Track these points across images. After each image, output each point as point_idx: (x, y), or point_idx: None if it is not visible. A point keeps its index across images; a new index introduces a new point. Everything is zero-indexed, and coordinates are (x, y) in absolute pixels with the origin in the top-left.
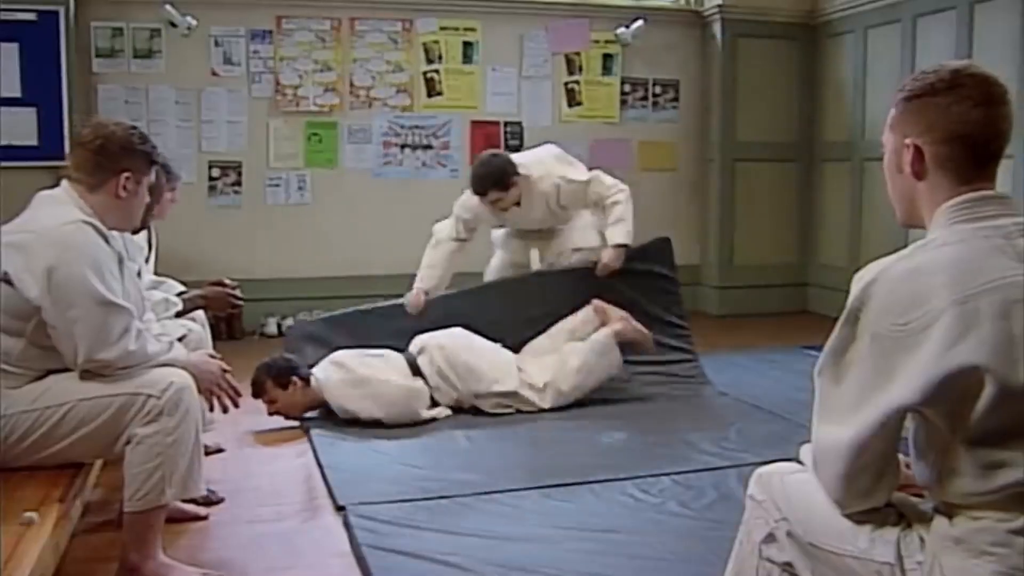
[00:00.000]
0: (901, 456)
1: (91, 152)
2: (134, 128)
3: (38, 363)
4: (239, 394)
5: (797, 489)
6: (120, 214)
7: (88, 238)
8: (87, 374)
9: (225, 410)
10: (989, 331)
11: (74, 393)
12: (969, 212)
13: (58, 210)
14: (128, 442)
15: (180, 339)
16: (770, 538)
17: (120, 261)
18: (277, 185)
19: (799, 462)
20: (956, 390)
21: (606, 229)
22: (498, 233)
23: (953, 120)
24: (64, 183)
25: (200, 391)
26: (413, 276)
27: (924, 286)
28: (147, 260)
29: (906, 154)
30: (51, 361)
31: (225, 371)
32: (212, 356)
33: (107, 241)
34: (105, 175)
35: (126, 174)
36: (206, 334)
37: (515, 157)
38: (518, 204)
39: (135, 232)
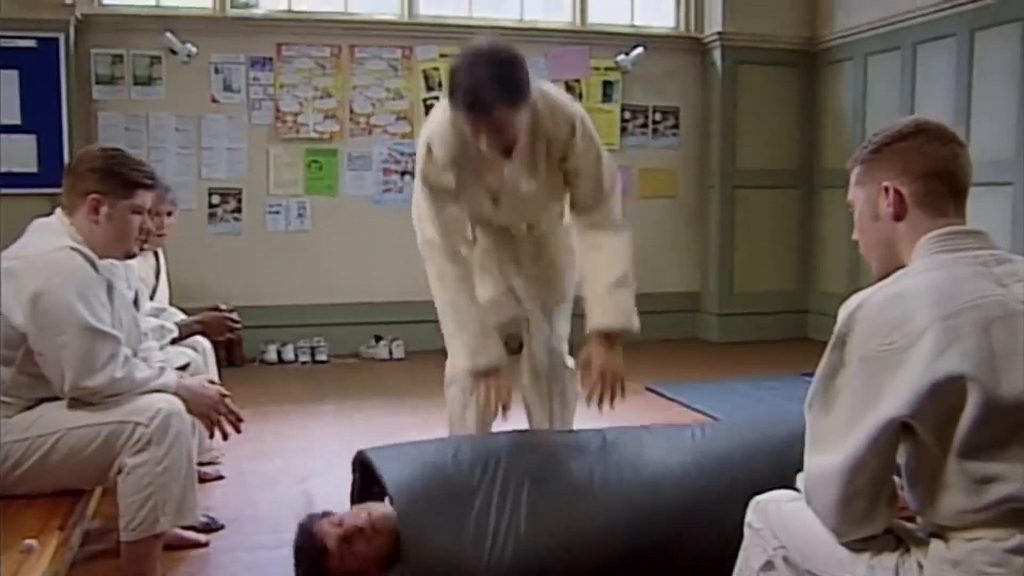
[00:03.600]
0: (895, 479)
1: (65, 175)
2: (116, 150)
3: (29, 392)
4: (240, 419)
5: (795, 517)
6: (103, 240)
7: (75, 264)
8: (75, 402)
9: (225, 436)
10: (972, 344)
11: (63, 422)
12: (948, 243)
13: (49, 237)
14: (120, 471)
15: (184, 367)
16: (768, 566)
17: (109, 288)
18: (277, 212)
19: (796, 490)
20: (942, 401)
21: (597, 281)
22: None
23: (928, 157)
24: (57, 210)
25: (196, 417)
26: (413, 303)
27: (908, 307)
28: (155, 288)
29: (884, 198)
30: (42, 390)
31: (224, 396)
32: (211, 382)
33: (95, 268)
34: (76, 199)
35: (94, 196)
36: (210, 360)
37: None
38: (509, 154)
39: (131, 257)
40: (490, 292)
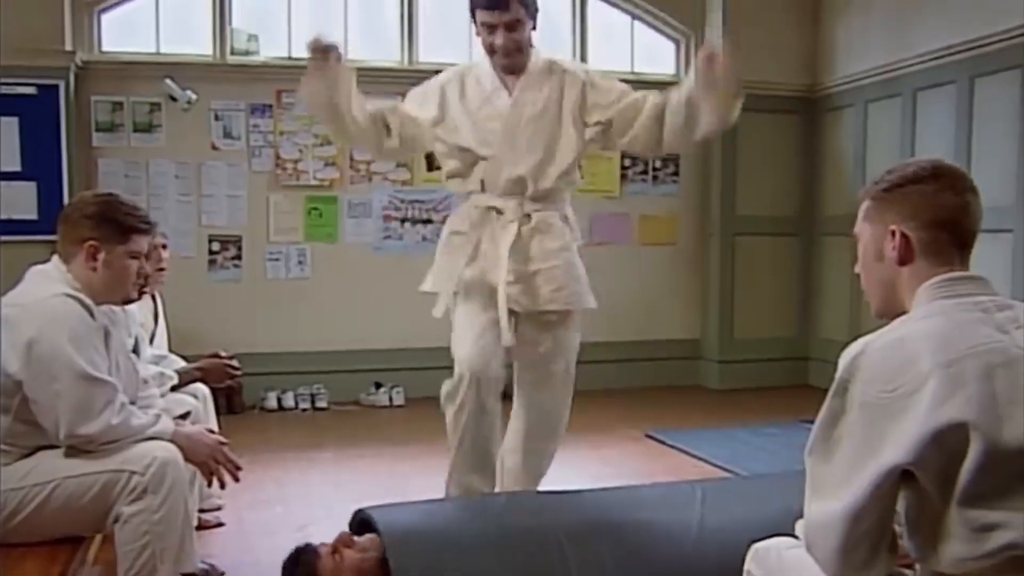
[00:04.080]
0: (895, 527)
1: (59, 222)
2: (109, 195)
3: (26, 440)
4: (239, 467)
5: (795, 564)
6: (102, 286)
7: (70, 311)
8: (72, 450)
9: (223, 485)
10: (975, 391)
11: (59, 471)
12: (949, 289)
13: (45, 284)
14: (117, 519)
15: (184, 416)
16: None
17: (107, 335)
18: (277, 259)
19: (796, 537)
20: (945, 448)
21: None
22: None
23: (939, 206)
24: (54, 257)
25: (194, 465)
26: (413, 350)
27: (910, 353)
28: (153, 332)
29: (890, 241)
30: (39, 438)
31: (222, 444)
32: (210, 431)
33: (92, 314)
34: (72, 247)
35: (91, 243)
36: (209, 407)
37: None
38: (516, 74)
39: (130, 303)
40: (473, 273)
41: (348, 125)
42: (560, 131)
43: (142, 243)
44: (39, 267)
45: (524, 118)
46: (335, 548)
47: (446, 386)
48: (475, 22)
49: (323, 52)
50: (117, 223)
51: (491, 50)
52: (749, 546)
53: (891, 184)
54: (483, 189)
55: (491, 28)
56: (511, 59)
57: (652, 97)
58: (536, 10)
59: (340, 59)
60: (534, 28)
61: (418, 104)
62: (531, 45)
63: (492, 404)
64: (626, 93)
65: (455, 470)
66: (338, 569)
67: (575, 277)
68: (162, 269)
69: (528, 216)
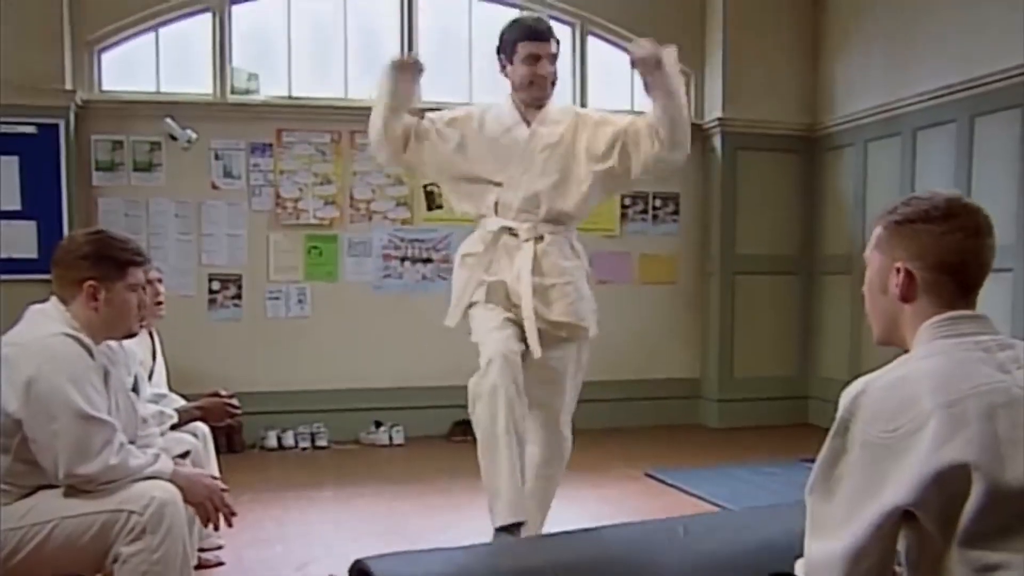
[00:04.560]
0: (896, 567)
1: (54, 265)
2: (99, 232)
3: (25, 479)
4: (234, 513)
5: None
6: (100, 324)
7: (69, 350)
8: (71, 490)
9: (217, 527)
10: (976, 431)
11: (58, 511)
12: (950, 328)
13: (44, 323)
14: (116, 559)
15: (184, 455)
16: None
17: (106, 374)
18: (277, 298)
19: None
20: (946, 489)
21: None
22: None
23: (946, 249)
24: (52, 298)
25: (191, 505)
26: (414, 389)
27: (912, 393)
28: (152, 371)
29: (894, 277)
30: (39, 477)
31: (222, 489)
32: (214, 478)
33: (91, 354)
34: (71, 288)
35: (90, 283)
36: (209, 446)
37: None
38: (537, 108)
39: (133, 335)
40: (486, 274)
41: (394, 125)
42: (574, 162)
43: (139, 275)
44: (38, 306)
45: (540, 145)
46: None
47: (474, 381)
48: (510, 58)
49: (414, 66)
50: (113, 259)
51: (531, 81)
52: None
53: (904, 218)
54: (496, 212)
55: (536, 59)
56: (546, 91)
57: (643, 119)
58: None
59: (422, 72)
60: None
61: (439, 128)
62: (557, 81)
63: (521, 388)
64: (630, 120)
65: (499, 477)
66: None
67: (585, 297)
68: (160, 303)
69: (541, 237)
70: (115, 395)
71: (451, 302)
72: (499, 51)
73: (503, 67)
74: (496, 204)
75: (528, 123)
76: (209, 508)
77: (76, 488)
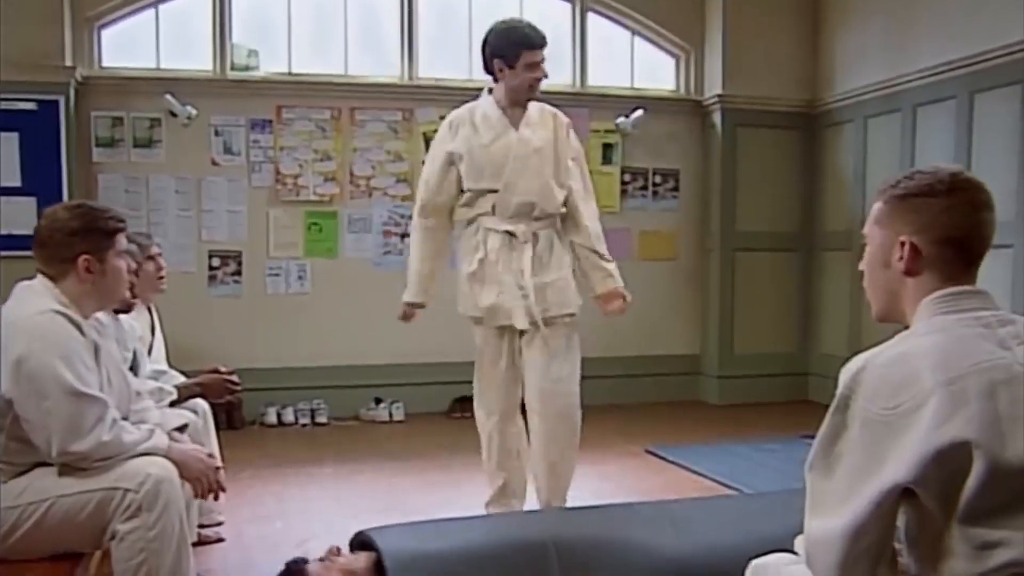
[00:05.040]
0: (895, 543)
1: (40, 247)
2: (80, 206)
3: (20, 457)
4: (223, 489)
5: None
6: (96, 295)
7: (58, 328)
8: (66, 468)
9: (204, 497)
10: (977, 409)
11: (53, 490)
12: (951, 304)
13: (32, 301)
14: (113, 536)
15: (181, 429)
16: None
17: (96, 350)
18: (277, 274)
19: (794, 553)
20: (947, 467)
21: (593, 265)
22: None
23: (951, 222)
24: (39, 276)
25: (187, 481)
26: (413, 366)
27: (912, 370)
28: (151, 346)
29: (898, 251)
30: (34, 455)
31: (217, 467)
32: (210, 455)
33: (81, 330)
34: (63, 265)
35: (84, 257)
36: (209, 422)
37: None
38: (520, 114)
39: (128, 311)
40: (492, 299)
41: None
42: (559, 162)
43: (124, 240)
44: (25, 283)
45: (530, 150)
46: (323, 556)
47: (476, 407)
48: (511, 64)
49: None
50: (101, 230)
51: (533, 86)
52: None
53: (907, 191)
54: (493, 212)
55: (536, 66)
56: (538, 92)
57: (579, 212)
58: None
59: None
60: None
61: (439, 164)
62: None
63: (514, 418)
64: (576, 189)
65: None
66: (327, 570)
67: (571, 285)
68: (161, 277)
69: (536, 235)
70: (106, 370)
71: (460, 298)
72: (495, 56)
73: (500, 70)
74: (493, 207)
75: (515, 126)
76: (204, 484)
77: (71, 466)
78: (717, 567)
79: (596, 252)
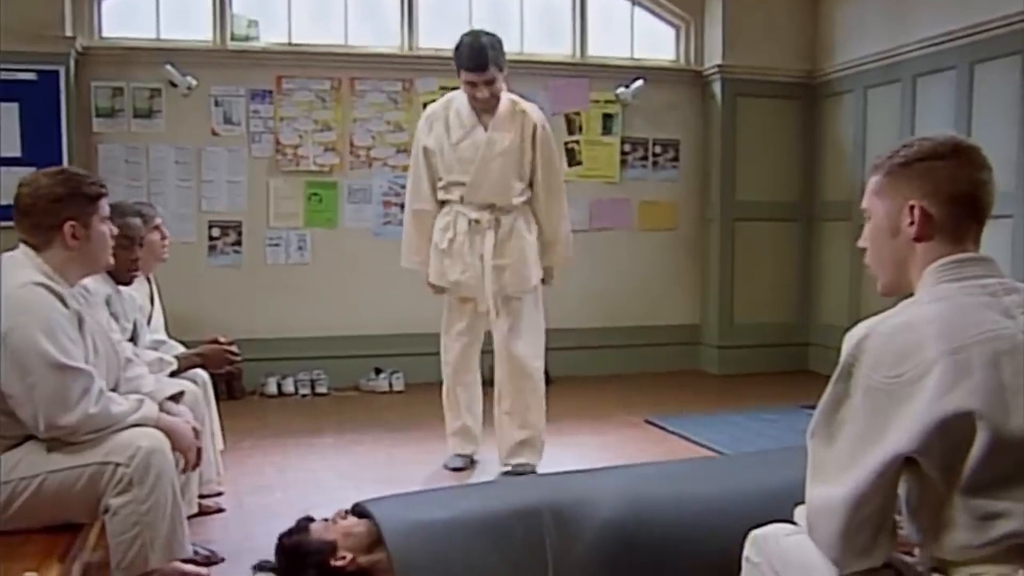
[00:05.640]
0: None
1: (24, 215)
2: (62, 172)
3: (10, 430)
4: (197, 465)
5: (794, 551)
6: (82, 261)
7: (40, 300)
8: (56, 443)
9: (187, 472)
10: (981, 379)
11: (43, 465)
12: (955, 272)
13: (14, 272)
14: (106, 511)
15: (176, 397)
16: None
17: (80, 321)
18: (277, 245)
19: (793, 523)
20: (950, 437)
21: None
22: (440, 249)
23: (959, 182)
24: (21, 246)
25: (179, 451)
26: (413, 336)
27: (916, 338)
28: (150, 316)
29: (908, 216)
30: (24, 427)
31: (198, 448)
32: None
33: (63, 302)
34: (48, 233)
35: (70, 223)
36: (209, 393)
37: None
38: (491, 113)
39: (128, 282)
40: (457, 275)
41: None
42: (523, 161)
43: (107, 206)
44: (7, 255)
45: (496, 151)
46: (329, 517)
47: (442, 354)
48: (459, 76)
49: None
50: (85, 195)
51: (473, 101)
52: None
53: (909, 158)
54: (462, 201)
55: (473, 85)
56: (488, 105)
57: (539, 213)
58: (504, 63)
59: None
60: (504, 76)
61: (418, 157)
62: (502, 90)
63: (472, 368)
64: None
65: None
66: (328, 529)
67: (530, 264)
68: (165, 247)
69: (499, 221)
70: (92, 340)
71: (432, 268)
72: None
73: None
74: (462, 197)
75: (484, 127)
76: (191, 457)
77: (61, 441)
78: (715, 521)
79: (549, 248)
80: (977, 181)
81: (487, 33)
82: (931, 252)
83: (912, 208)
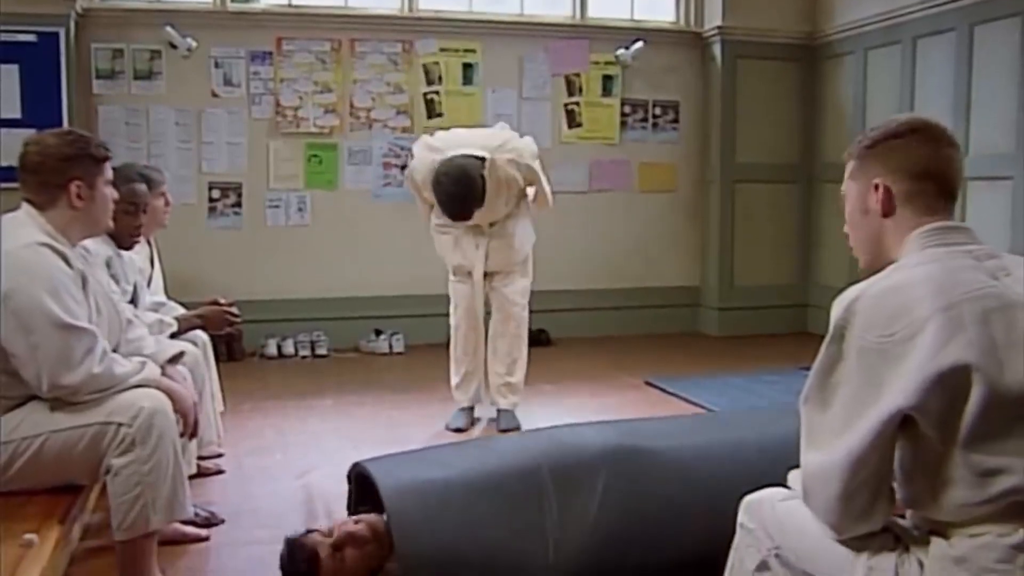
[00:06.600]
0: None
1: (31, 173)
2: (70, 133)
3: (13, 390)
4: (195, 434)
5: (789, 516)
6: (84, 222)
7: (44, 260)
8: (58, 403)
9: (182, 434)
10: (974, 334)
11: (46, 425)
12: (940, 238)
13: (17, 232)
14: (108, 471)
15: (176, 359)
16: (763, 566)
17: (84, 281)
18: (277, 206)
19: (787, 487)
20: (948, 391)
21: None
22: (443, 238)
23: (920, 157)
24: (24, 205)
25: (179, 414)
26: (413, 297)
27: (907, 298)
28: (150, 278)
29: (873, 194)
30: (27, 387)
31: (196, 419)
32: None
33: (67, 262)
34: (54, 191)
35: (76, 183)
36: (209, 354)
37: (461, 137)
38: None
39: (130, 247)
40: (457, 260)
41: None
42: (516, 190)
43: (110, 170)
44: (9, 215)
45: (485, 211)
46: (337, 545)
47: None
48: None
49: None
50: (92, 156)
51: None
52: (741, 497)
53: (873, 140)
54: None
55: (455, 225)
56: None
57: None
58: (482, 191)
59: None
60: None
61: (414, 191)
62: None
63: (477, 316)
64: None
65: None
66: (340, 570)
67: (517, 248)
68: (167, 212)
69: (491, 224)
70: (95, 300)
71: (435, 242)
72: None
73: None
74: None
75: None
76: (190, 421)
77: (63, 400)
78: (715, 470)
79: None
80: (936, 155)
81: (465, 177)
82: (900, 225)
83: (876, 187)
